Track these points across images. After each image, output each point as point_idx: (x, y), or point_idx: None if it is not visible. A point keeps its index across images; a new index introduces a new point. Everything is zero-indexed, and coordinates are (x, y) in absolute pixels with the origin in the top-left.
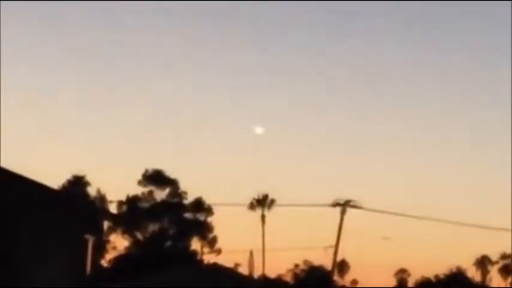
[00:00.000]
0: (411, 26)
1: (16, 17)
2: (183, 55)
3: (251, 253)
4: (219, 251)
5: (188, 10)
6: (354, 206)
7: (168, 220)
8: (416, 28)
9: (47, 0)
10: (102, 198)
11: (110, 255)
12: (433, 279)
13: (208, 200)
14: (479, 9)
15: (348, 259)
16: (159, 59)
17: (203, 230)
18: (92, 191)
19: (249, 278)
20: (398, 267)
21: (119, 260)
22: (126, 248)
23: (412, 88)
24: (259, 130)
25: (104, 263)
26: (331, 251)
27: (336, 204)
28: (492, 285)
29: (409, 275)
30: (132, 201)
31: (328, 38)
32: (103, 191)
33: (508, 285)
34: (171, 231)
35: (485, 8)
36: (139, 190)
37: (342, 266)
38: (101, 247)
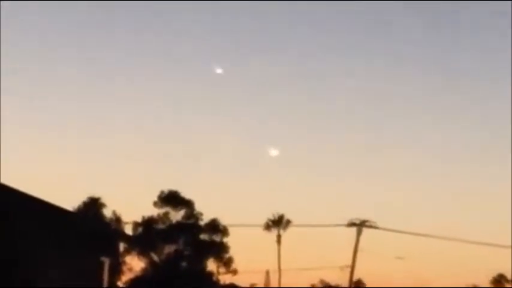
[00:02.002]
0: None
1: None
2: (198, 74)
3: (267, 273)
4: (235, 272)
5: (199, 28)
6: (370, 226)
7: (184, 241)
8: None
9: None
10: (117, 220)
11: (126, 277)
12: None
13: (223, 221)
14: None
15: (364, 278)
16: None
17: (219, 250)
18: (107, 212)
19: None
20: (414, 286)
21: (135, 282)
22: (142, 269)
23: (428, 109)
24: (274, 152)
25: (120, 284)
26: (348, 270)
27: (351, 224)
28: None
29: None
30: (147, 223)
31: (342, 62)
32: (119, 212)
33: None
34: (187, 253)
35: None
36: (155, 211)
37: (358, 286)
38: (117, 269)
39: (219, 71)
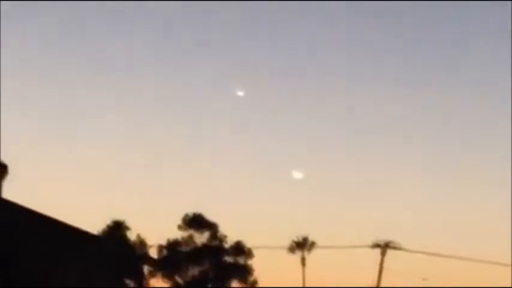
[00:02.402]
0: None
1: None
2: (222, 97)
3: None
4: None
5: (220, 50)
6: (394, 247)
7: (209, 264)
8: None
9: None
10: (142, 243)
11: None
12: None
13: (248, 243)
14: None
15: None
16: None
17: (243, 273)
18: (131, 235)
19: None
20: None
21: None
22: None
23: (450, 130)
24: (297, 174)
25: None
26: None
27: (375, 246)
28: None
29: None
30: (172, 246)
31: (363, 88)
32: (143, 235)
33: None
34: (212, 275)
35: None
36: (179, 234)
37: None
38: None
39: (240, 93)
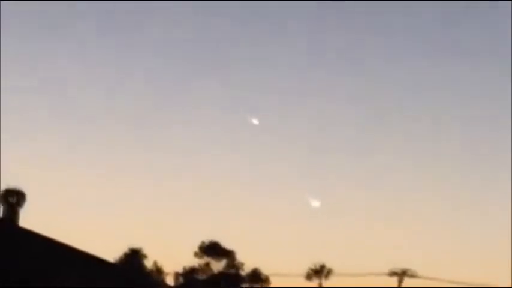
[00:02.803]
0: None
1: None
2: (237, 124)
3: None
4: None
5: (235, 78)
6: (411, 275)
7: None
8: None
9: None
10: (158, 271)
11: None
12: None
13: (265, 270)
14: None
15: None
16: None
17: None
18: (148, 263)
19: None
20: None
21: None
22: None
23: (470, 157)
24: (315, 203)
25: None
26: None
27: (392, 274)
28: None
29: None
30: (188, 273)
31: (375, 111)
32: (160, 263)
33: None
34: None
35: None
36: (196, 262)
37: None
38: None
39: (255, 121)
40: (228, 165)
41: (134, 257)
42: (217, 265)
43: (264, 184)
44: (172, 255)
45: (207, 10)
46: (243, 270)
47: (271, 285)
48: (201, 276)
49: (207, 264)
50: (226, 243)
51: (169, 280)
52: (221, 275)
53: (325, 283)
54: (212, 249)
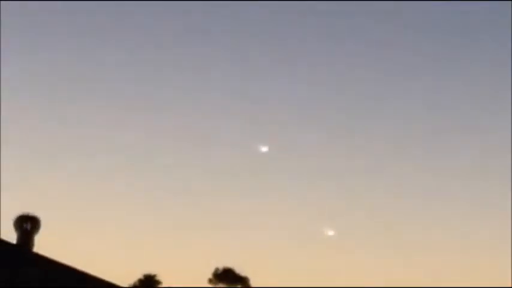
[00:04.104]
0: None
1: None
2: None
3: None
4: None
5: (244, 106)
6: None
7: None
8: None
9: None
10: None
11: None
12: None
13: None
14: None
15: None
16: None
17: None
18: None
19: None
20: None
21: None
22: None
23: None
24: (330, 232)
25: None
26: None
27: None
28: None
29: None
30: None
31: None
32: None
33: None
34: None
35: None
36: None
37: None
38: None
39: (264, 149)
40: (242, 192)
41: (149, 283)
42: None
43: (278, 210)
44: (186, 282)
45: (216, 42)
46: None
47: None
48: None
49: None
50: (240, 270)
51: None
52: None
53: None
54: (226, 276)
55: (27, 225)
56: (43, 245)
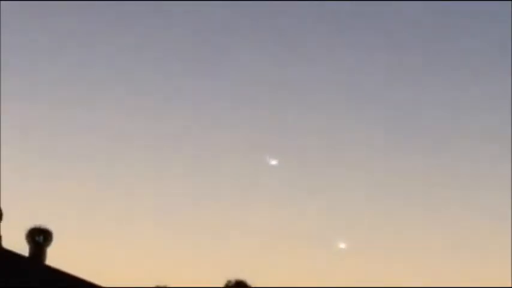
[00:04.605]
0: None
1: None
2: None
3: None
4: None
5: (254, 121)
6: None
7: None
8: None
9: None
10: None
11: None
12: None
13: None
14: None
15: None
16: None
17: None
18: None
19: None
20: None
21: None
22: None
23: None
24: (342, 245)
25: None
26: None
27: None
28: None
29: None
30: None
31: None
32: None
33: None
34: None
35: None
36: None
37: None
38: None
39: (273, 162)
40: (255, 208)
41: None
42: None
43: (291, 225)
44: None
45: (224, 57)
46: None
47: None
48: None
49: None
50: (252, 283)
51: None
52: None
53: None
54: None
55: (40, 238)
56: (55, 257)
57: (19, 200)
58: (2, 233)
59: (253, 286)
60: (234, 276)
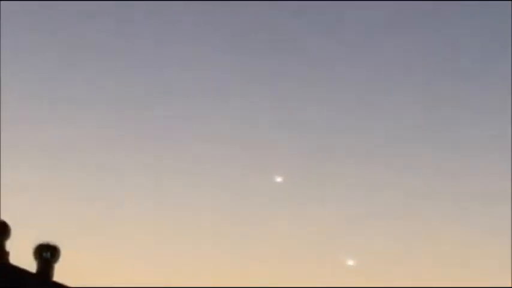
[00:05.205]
0: None
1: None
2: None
3: None
4: None
5: (258, 137)
6: None
7: None
8: None
9: None
10: None
11: None
12: None
13: None
14: None
15: None
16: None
17: None
18: None
19: None
20: None
21: None
22: None
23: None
24: (350, 262)
25: None
26: None
27: None
28: None
29: None
30: None
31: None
32: None
33: None
34: None
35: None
36: None
37: None
38: None
39: (278, 179)
40: (265, 222)
41: None
42: None
43: (301, 242)
44: None
45: (234, 70)
46: None
47: None
48: None
49: None
50: None
51: None
52: None
53: None
54: None
55: (47, 254)
56: (63, 273)
57: (27, 217)
58: (9, 249)
59: None
60: None
